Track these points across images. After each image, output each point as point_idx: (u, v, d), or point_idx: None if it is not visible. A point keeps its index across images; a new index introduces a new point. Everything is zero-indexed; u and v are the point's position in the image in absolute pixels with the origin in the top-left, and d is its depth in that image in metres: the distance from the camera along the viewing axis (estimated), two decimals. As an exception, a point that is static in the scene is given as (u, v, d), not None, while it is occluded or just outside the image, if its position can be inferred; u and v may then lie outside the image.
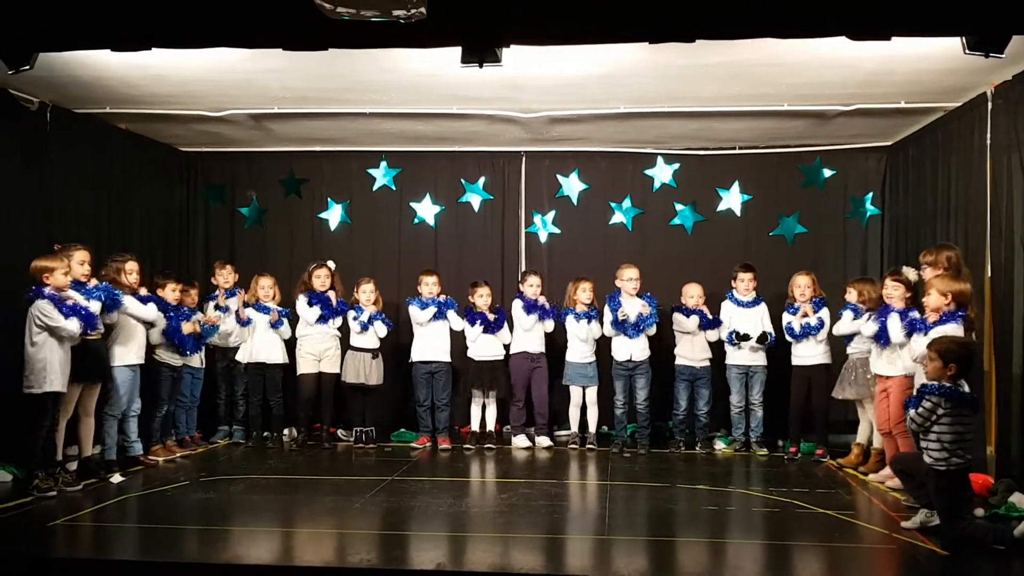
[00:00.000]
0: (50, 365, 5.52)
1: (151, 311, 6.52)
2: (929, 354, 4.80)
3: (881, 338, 6.15)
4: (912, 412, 4.70)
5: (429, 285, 7.62)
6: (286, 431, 7.75)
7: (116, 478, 6.04)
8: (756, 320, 7.39)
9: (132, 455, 6.55)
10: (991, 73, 5.80)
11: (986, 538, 4.51)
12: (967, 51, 4.60)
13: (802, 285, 7.25)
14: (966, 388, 4.67)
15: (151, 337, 6.70)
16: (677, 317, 7.53)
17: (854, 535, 4.87)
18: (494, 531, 4.90)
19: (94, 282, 6.03)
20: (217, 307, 7.68)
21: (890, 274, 6.41)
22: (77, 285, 5.87)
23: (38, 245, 6.03)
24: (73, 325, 5.57)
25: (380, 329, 7.66)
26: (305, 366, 7.58)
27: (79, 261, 5.95)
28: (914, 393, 5.10)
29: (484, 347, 7.64)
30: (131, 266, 6.48)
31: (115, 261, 6.44)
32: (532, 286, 7.62)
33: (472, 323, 7.59)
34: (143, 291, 6.63)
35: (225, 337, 7.64)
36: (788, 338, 7.25)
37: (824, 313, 7.18)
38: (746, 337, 7.31)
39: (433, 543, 4.67)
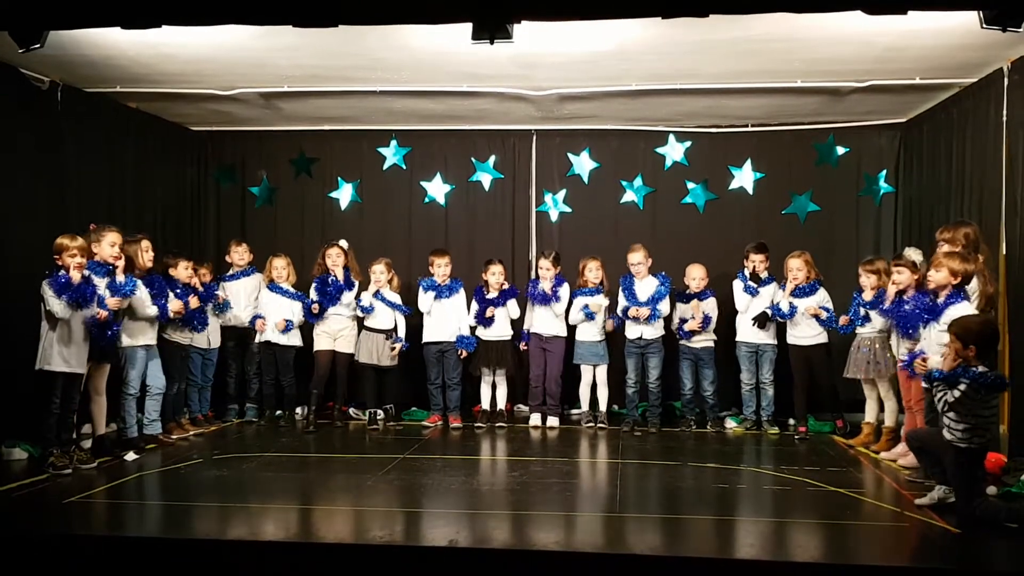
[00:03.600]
0: (59, 344, 5.55)
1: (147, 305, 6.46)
2: (950, 336, 4.75)
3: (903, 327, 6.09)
4: (954, 394, 4.53)
5: (442, 266, 7.63)
6: (298, 410, 7.79)
7: (130, 456, 6.08)
8: (768, 300, 7.32)
9: (149, 434, 6.59)
10: (1008, 48, 5.74)
11: (999, 516, 4.49)
12: (984, 25, 4.54)
13: (794, 268, 7.14)
14: (987, 372, 4.59)
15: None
16: (676, 306, 7.52)
17: (866, 513, 4.86)
18: (506, 508, 4.92)
19: (122, 266, 6.04)
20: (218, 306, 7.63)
21: (894, 260, 6.34)
22: (97, 266, 5.91)
23: (53, 224, 6.05)
24: (56, 306, 5.49)
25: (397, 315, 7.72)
26: (320, 343, 7.62)
27: (110, 243, 6.00)
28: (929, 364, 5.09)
29: (490, 327, 7.64)
30: (146, 244, 6.49)
31: (129, 242, 6.45)
32: (541, 268, 7.62)
33: (477, 315, 7.61)
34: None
35: (239, 317, 7.72)
36: (779, 318, 7.19)
37: (822, 294, 7.14)
38: (764, 316, 7.25)
39: (445, 520, 4.69)
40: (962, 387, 4.53)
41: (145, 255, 6.46)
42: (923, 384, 4.99)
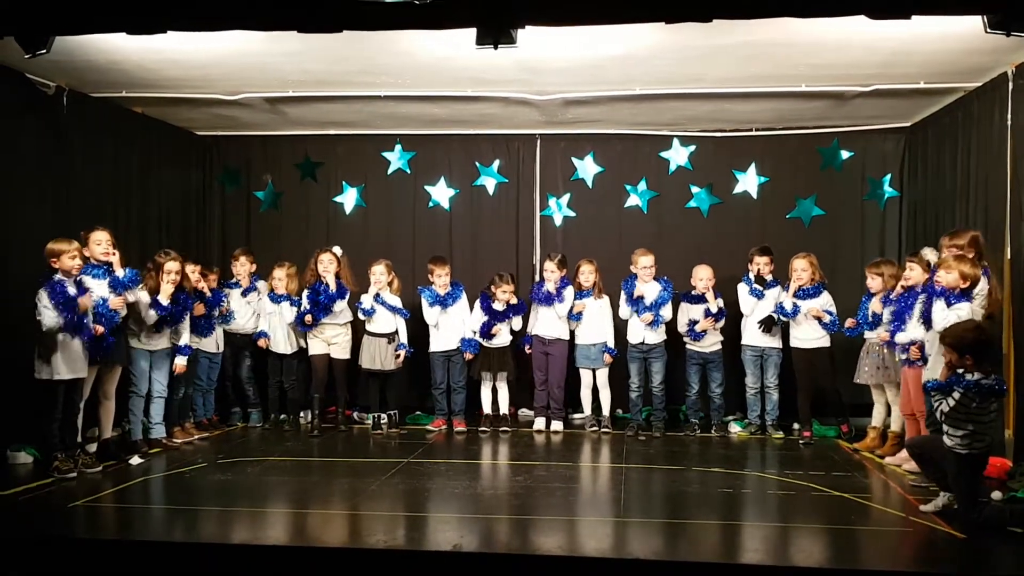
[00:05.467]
0: (59, 352, 5.55)
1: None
2: (945, 347, 4.76)
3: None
4: (949, 403, 4.57)
5: (442, 276, 7.62)
6: (302, 414, 7.80)
7: (135, 460, 6.10)
8: (773, 304, 7.30)
9: (153, 437, 6.61)
10: (1012, 52, 5.73)
11: (1003, 520, 4.49)
12: (988, 30, 4.53)
13: (798, 268, 7.13)
14: (984, 379, 4.58)
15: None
16: (683, 307, 7.51)
17: (871, 518, 4.85)
18: (510, 513, 4.92)
19: (117, 260, 6.02)
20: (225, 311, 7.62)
21: (909, 256, 6.35)
22: (93, 268, 5.93)
23: (58, 228, 6.06)
24: (49, 320, 5.49)
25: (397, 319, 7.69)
26: (315, 347, 7.61)
27: (95, 241, 5.98)
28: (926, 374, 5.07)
29: (490, 340, 7.63)
30: (170, 266, 6.43)
31: (158, 259, 6.49)
32: (547, 270, 7.60)
33: (482, 328, 7.59)
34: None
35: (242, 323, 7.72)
36: (782, 317, 7.19)
37: (825, 297, 7.13)
38: (770, 319, 7.25)
39: (449, 525, 4.69)
40: (956, 396, 4.55)
41: (167, 277, 6.43)
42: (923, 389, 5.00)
